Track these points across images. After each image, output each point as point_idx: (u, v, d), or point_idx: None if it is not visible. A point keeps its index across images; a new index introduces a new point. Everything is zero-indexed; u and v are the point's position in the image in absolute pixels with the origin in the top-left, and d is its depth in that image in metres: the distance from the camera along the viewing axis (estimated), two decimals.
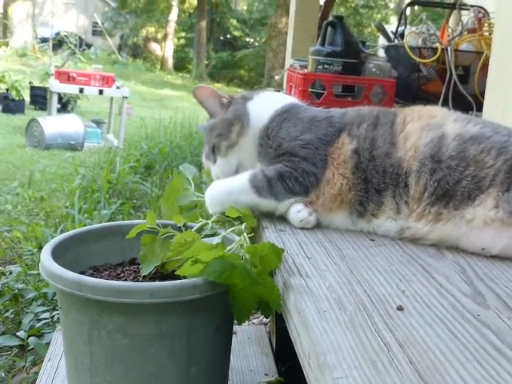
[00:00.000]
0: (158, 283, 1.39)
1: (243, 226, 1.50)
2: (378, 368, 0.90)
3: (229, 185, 1.61)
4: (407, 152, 1.50)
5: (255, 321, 2.25)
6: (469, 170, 1.44)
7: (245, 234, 1.46)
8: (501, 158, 1.43)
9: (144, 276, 1.54)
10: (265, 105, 1.74)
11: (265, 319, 2.31)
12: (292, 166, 1.56)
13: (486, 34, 3.22)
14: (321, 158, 1.56)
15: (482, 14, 3.28)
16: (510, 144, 1.45)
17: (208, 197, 1.61)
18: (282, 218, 1.59)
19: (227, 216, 1.56)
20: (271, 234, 1.49)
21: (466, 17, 3.43)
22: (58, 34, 18.99)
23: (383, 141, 1.54)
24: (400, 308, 1.10)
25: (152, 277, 1.52)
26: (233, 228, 1.53)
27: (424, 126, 1.53)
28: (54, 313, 2.61)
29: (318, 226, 1.57)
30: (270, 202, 1.56)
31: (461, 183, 1.43)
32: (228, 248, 1.41)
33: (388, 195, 1.50)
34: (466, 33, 3.27)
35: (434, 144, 1.48)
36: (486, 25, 3.28)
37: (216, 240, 1.45)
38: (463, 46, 3.23)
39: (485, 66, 2.73)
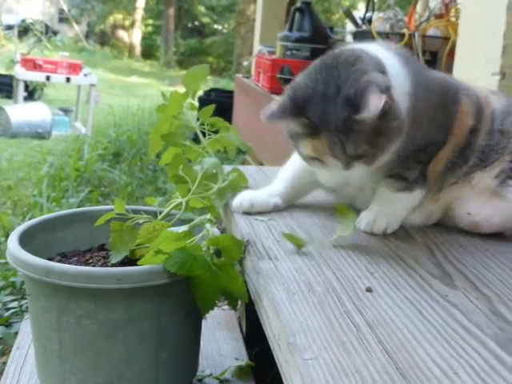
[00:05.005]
0: (125, 268, 1.38)
1: (208, 216, 1.48)
2: (347, 348, 0.90)
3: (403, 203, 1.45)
4: None
5: (225, 306, 2.25)
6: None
7: (208, 224, 1.43)
8: None
9: None
10: None
11: None
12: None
13: (453, 19, 3.24)
14: None
15: (449, 0, 3.30)
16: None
17: (385, 217, 1.43)
18: None
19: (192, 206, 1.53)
20: (240, 218, 1.49)
21: (434, 2, 3.45)
22: (23, 20, 18.64)
23: None
24: (369, 289, 1.11)
25: (122, 262, 1.51)
26: (202, 217, 1.49)
27: None
28: (23, 302, 2.58)
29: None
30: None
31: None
32: (193, 238, 1.38)
33: None
34: (433, 18, 3.29)
35: None
36: (452, 10, 3.30)
37: (182, 229, 1.40)
38: (430, 32, 3.25)
39: (452, 51, 2.75)
